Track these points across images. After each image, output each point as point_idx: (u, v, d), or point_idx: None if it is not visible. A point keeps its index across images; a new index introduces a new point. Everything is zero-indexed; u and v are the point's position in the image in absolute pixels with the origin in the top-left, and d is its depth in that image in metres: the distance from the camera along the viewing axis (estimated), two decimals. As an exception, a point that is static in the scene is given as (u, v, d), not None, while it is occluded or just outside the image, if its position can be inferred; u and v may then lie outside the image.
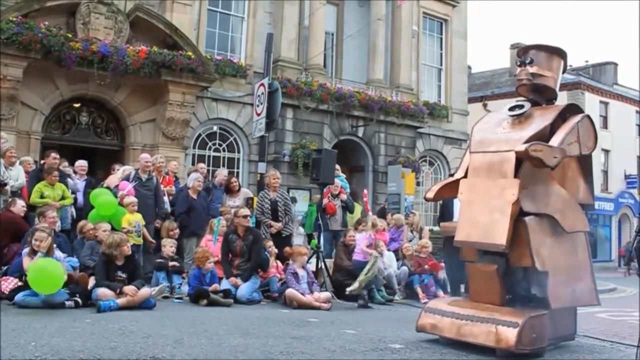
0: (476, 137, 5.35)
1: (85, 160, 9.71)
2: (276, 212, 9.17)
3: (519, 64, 5.37)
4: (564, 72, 5.55)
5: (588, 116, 5.38)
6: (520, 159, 4.80)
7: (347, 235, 9.18)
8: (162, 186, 9.29)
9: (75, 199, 8.88)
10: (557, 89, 5.49)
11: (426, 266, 9.53)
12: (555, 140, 4.92)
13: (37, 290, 5.99)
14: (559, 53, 5.41)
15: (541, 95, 5.46)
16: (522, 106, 5.27)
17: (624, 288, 14.98)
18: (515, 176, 4.85)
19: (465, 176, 5.34)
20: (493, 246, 4.77)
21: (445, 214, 8.36)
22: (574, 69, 31.53)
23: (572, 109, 5.43)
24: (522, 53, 5.39)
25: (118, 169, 9.76)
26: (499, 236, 4.69)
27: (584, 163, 5.62)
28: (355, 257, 8.82)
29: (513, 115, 5.27)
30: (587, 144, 5.28)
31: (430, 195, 5.68)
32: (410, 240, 10.45)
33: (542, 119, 5.16)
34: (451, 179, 5.66)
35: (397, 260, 9.83)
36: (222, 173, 10.24)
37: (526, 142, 4.78)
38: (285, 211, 9.29)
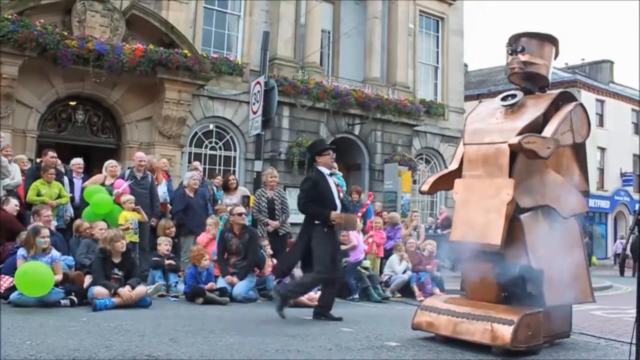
0: (470, 128, 5.32)
1: (81, 158, 9.68)
2: (273, 211, 9.16)
3: (510, 52, 5.31)
4: (555, 59, 5.51)
5: (581, 104, 5.35)
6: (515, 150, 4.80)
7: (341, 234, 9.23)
8: (161, 177, 9.30)
9: (73, 198, 8.85)
10: (550, 76, 5.46)
11: (428, 266, 9.62)
12: (548, 130, 4.90)
13: (26, 294, 5.98)
14: (551, 40, 5.35)
15: (533, 83, 5.42)
16: (514, 95, 5.23)
17: (619, 285, 15.00)
18: (511, 167, 4.84)
19: (460, 167, 5.32)
20: (488, 246, 4.76)
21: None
22: (570, 67, 31.56)
23: (565, 97, 5.38)
24: (513, 41, 5.30)
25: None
26: (495, 236, 4.69)
27: (579, 151, 5.61)
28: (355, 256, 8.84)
29: (506, 105, 5.25)
30: (580, 132, 5.26)
31: (425, 187, 5.64)
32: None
33: (535, 109, 5.12)
34: (446, 171, 5.63)
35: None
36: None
37: (520, 132, 4.76)
38: (282, 209, 9.29)
